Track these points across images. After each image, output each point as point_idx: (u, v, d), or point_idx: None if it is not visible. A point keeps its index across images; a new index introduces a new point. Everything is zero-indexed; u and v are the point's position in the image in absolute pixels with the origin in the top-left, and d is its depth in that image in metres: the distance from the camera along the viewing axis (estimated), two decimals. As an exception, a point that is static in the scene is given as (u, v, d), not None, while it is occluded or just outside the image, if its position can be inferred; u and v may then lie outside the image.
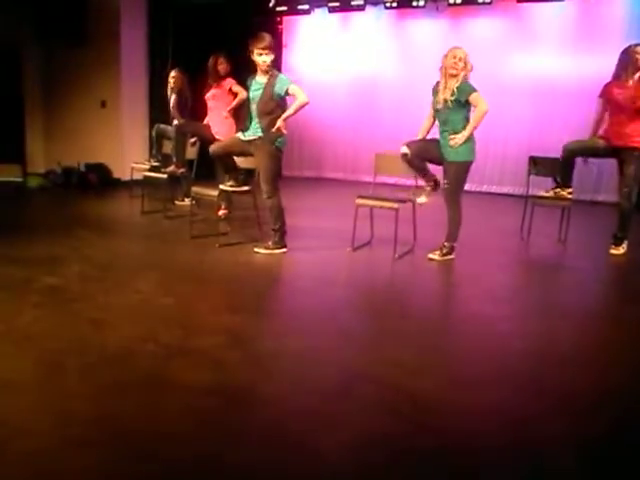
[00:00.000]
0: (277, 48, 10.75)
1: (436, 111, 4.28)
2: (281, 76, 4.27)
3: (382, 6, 9.37)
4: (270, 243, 4.31)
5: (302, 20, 10.57)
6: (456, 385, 2.20)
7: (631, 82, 4.38)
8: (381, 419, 1.92)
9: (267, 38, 4.19)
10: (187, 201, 5.82)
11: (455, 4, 8.68)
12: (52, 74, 8.89)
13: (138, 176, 6.37)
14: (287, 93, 4.19)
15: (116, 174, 8.26)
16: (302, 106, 4.20)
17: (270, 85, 4.18)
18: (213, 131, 5.60)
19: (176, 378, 2.16)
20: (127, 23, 8.68)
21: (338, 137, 10.46)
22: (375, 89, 9.71)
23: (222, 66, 5.69)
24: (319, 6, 9.80)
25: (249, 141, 4.28)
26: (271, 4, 9.76)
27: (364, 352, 2.51)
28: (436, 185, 4.40)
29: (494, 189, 9.60)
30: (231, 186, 4.43)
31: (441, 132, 4.29)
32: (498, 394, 2.14)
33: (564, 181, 4.78)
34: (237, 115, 5.54)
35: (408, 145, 4.20)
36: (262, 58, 4.15)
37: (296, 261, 4.20)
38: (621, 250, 4.66)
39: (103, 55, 8.59)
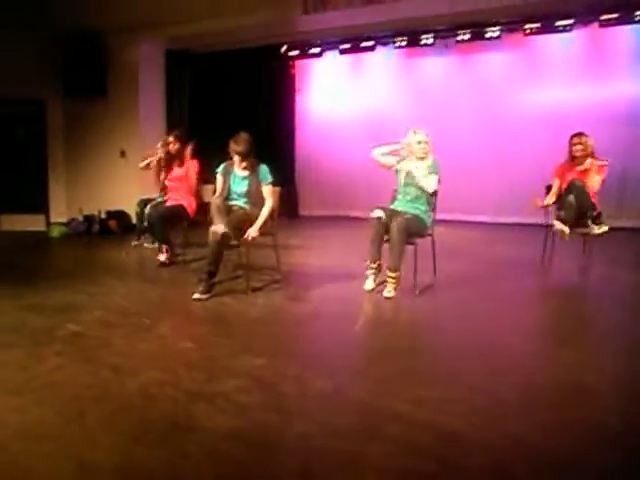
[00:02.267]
0: (290, 92, 11.08)
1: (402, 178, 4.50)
2: (263, 167, 4.53)
3: (392, 46, 9.59)
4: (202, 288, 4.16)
5: (314, 63, 10.84)
6: (482, 421, 2.14)
7: (578, 167, 4.88)
8: (407, 458, 1.86)
9: (241, 145, 4.41)
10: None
11: (463, 41, 8.83)
12: (74, 126, 9.20)
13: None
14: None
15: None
16: (270, 212, 4.46)
17: (255, 176, 4.48)
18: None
19: (198, 423, 2.12)
20: (145, 76, 8.99)
21: (354, 175, 10.56)
22: (388, 126, 9.77)
23: (172, 146, 5.83)
24: (330, 49, 10.07)
25: (231, 206, 4.46)
26: (283, 50, 10.05)
27: (389, 391, 2.45)
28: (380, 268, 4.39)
29: (511, 220, 9.54)
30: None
31: (402, 197, 4.50)
32: (524, 429, 2.06)
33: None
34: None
35: (383, 209, 4.35)
36: (237, 160, 4.48)
37: (316, 300, 4.17)
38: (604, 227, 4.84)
39: (122, 107, 8.88)
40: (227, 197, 4.55)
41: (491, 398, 2.34)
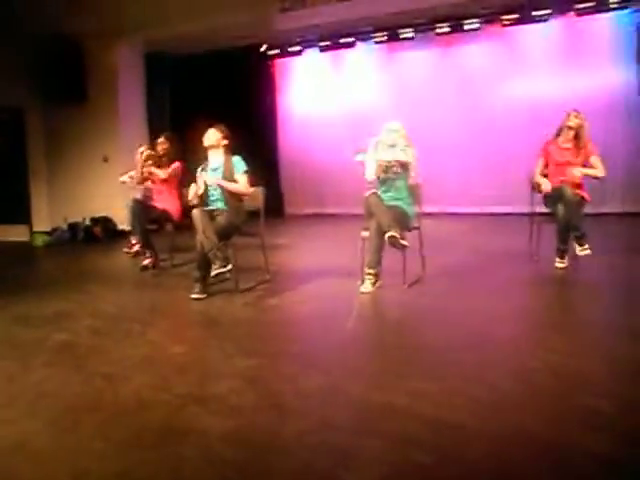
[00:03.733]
0: (271, 91, 11.04)
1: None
2: (235, 158, 4.50)
3: (372, 41, 9.59)
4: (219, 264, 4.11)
5: (294, 61, 10.80)
6: (480, 411, 2.14)
7: (569, 144, 4.81)
8: (406, 451, 1.86)
9: (211, 136, 4.46)
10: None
11: (443, 33, 8.86)
12: (54, 133, 9.10)
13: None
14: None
15: (121, 226, 8.32)
16: (239, 191, 4.44)
17: (228, 167, 4.44)
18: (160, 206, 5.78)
19: (193, 426, 2.10)
20: (125, 79, 8.91)
21: (337, 173, 10.53)
22: (370, 122, 9.73)
23: (161, 147, 5.85)
24: (310, 46, 10.05)
25: (212, 210, 4.42)
26: (262, 49, 10.01)
27: (385, 385, 2.45)
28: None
29: (496, 210, 9.59)
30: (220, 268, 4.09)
31: (382, 193, 4.41)
32: (522, 417, 2.07)
33: (566, 247, 4.74)
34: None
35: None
36: (210, 154, 4.50)
37: (305, 299, 4.16)
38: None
39: (103, 112, 8.79)
40: (205, 201, 4.50)
41: (487, 388, 2.35)
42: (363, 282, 4.23)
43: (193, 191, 4.44)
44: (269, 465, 1.83)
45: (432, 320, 3.56)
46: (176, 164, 5.79)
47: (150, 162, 6.05)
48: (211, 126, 4.55)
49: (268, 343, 3.21)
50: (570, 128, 4.79)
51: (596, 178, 4.79)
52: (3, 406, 2.36)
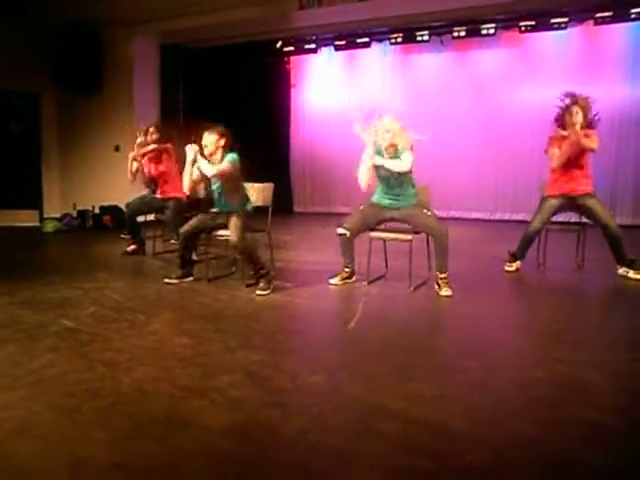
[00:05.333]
0: (285, 88, 11.03)
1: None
2: (230, 154, 4.25)
3: (387, 42, 9.57)
4: (263, 285, 4.21)
5: (309, 59, 10.80)
6: (480, 417, 2.13)
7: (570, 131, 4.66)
8: (404, 456, 1.86)
9: (208, 137, 4.20)
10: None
11: (459, 37, 8.83)
12: (68, 121, 9.16)
13: (150, 217, 6.41)
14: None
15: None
16: (220, 171, 4.20)
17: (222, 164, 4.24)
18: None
19: (193, 419, 2.11)
20: (140, 71, 8.95)
21: (347, 172, 10.51)
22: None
23: (150, 137, 5.76)
24: (325, 45, 10.04)
25: (217, 213, 4.43)
26: (278, 45, 10.01)
27: (384, 387, 2.45)
28: (352, 274, 4.54)
29: (507, 216, 9.57)
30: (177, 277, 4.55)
31: (387, 191, 4.41)
32: (523, 425, 2.06)
33: (522, 256, 5.04)
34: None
35: (345, 227, 4.38)
36: (206, 150, 4.24)
37: (310, 296, 4.16)
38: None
39: (117, 101, 8.84)
40: (212, 202, 4.50)
41: (488, 394, 2.34)
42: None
43: (188, 178, 4.31)
44: (268, 462, 1.83)
45: (435, 324, 3.55)
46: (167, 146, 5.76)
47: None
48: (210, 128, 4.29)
49: (271, 338, 3.21)
50: (574, 124, 4.66)
51: (591, 150, 4.68)
52: (5, 389, 2.38)
